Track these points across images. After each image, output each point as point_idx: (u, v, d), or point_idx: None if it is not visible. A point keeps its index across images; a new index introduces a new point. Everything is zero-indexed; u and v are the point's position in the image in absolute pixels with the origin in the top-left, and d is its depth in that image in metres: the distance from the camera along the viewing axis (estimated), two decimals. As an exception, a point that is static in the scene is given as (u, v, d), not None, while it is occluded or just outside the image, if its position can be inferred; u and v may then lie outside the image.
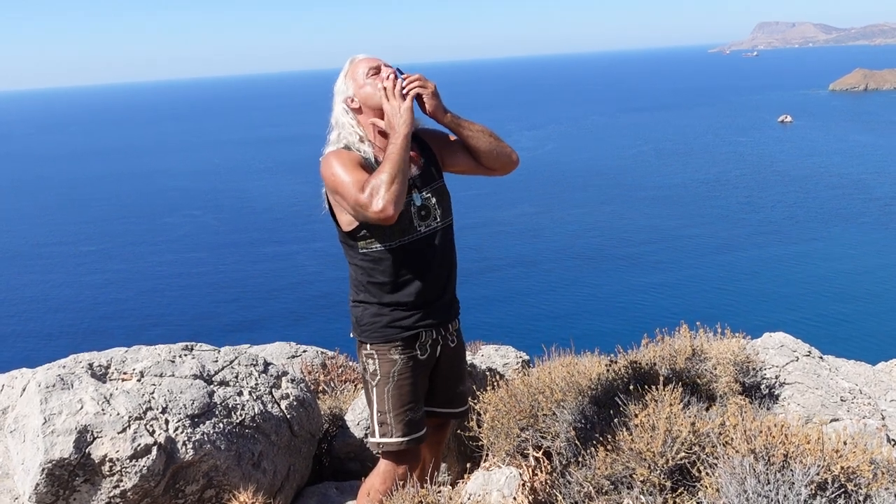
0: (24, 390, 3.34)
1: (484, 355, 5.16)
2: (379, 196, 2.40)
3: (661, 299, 29.64)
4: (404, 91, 2.55)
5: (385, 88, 2.56)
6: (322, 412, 4.38)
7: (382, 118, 2.60)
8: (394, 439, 2.71)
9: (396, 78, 2.57)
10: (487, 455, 4.23)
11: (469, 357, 4.75)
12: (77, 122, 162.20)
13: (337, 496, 3.85)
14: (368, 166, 2.57)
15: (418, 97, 2.59)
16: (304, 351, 5.18)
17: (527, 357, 5.49)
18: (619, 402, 3.40)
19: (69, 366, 3.32)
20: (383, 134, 2.63)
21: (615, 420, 3.24)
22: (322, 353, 5.27)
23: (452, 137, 2.79)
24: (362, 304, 2.74)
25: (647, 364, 3.77)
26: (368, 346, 2.73)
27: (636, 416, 3.07)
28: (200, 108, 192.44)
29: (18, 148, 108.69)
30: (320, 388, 4.70)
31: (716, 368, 3.69)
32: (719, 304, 28.62)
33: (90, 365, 3.36)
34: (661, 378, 3.46)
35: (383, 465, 2.78)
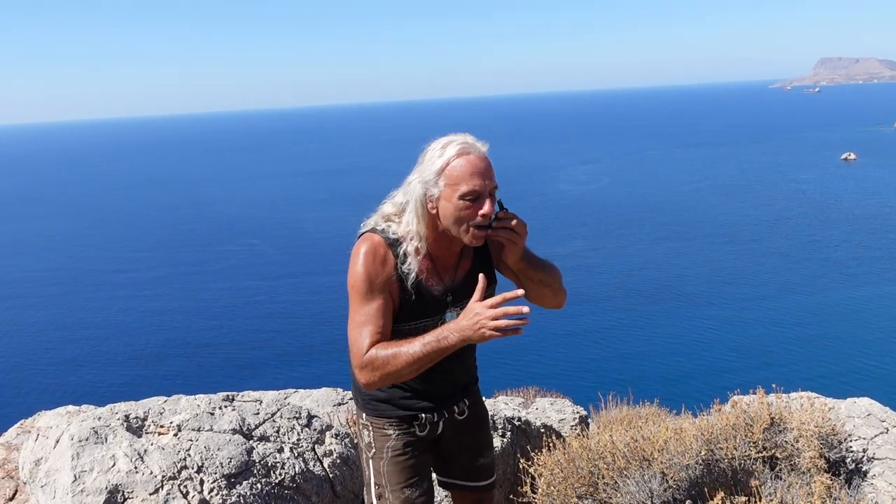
0: (57, 442, 3.20)
1: (539, 409, 4.88)
2: (370, 374, 2.20)
3: (720, 342, 28.63)
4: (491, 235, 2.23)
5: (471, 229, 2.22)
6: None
7: (448, 236, 2.31)
8: None
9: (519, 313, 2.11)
10: (541, 523, 3.94)
11: (523, 412, 4.48)
12: (143, 152, 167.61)
13: (380, 563, 3.60)
14: (398, 286, 2.30)
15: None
16: (351, 398, 4.97)
17: (584, 412, 5.19)
18: (689, 478, 3.10)
19: (105, 417, 3.17)
20: (444, 239, 2.34)
21: (687, 498, 2.94)
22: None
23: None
24: None
25: (719, 433, 3.45)
26: (364, 415, 2.55)
27: (711, 497, 2.77)
28: (260, 139, 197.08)
29: (87, 175, 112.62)
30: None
31: (798, 441, 3.35)
32: (784, 349, 27.51)
33: (126, 416, 3.20)
34: (737, 452, 3.16)
35: None
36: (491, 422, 4.01)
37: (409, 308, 2.33)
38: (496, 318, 2.07)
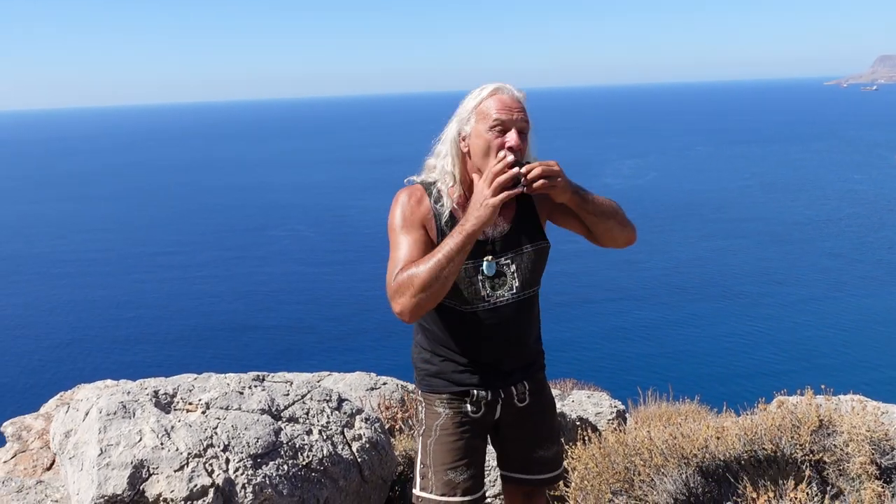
0: (86, 415, 3.20)
1: (575, 402, 4.76)
2: (401, 297, 2.12)
3: (766, 343, 27.96)
4: (523, 185, 2.11)
5: (489, 170, 2.13)
6: (397, 453, 4.10)
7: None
8: (432, 496, 2.41)
9: (512, 166, 2.10)
10: (574, 518, 3.83)
11: (558, 404, 4.37)
12: (195, 137, 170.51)
13: (406, 551, 3.54)
14: (436, 225, 2.28)
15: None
16: (385, 383, 4.92)
17: (622, 406, 5.05)
18: (731, 479, 2.96)
19: (134, 392, 3.16)
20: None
21: (727, 500, 2.81)
22: (402, 386, 5.00)
23: None
24: (417, 345, 2.48)
25: (764, 434, 3.29)
26: (420, 392, 2.47)
27: (754, 501, 2.63)
28: (310, 126, 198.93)
29: (140, 159, 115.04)
30: (397, 425, 4.41)
31: (847, 446, 3.17)
32: (833, 352, 26.75)
33: (155, 392, 3.18)
34: (783, 454, 3.00)
35: None
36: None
37: None
38: (491, 184, 2.08)
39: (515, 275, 2.33)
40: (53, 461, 4.57)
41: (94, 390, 5.27)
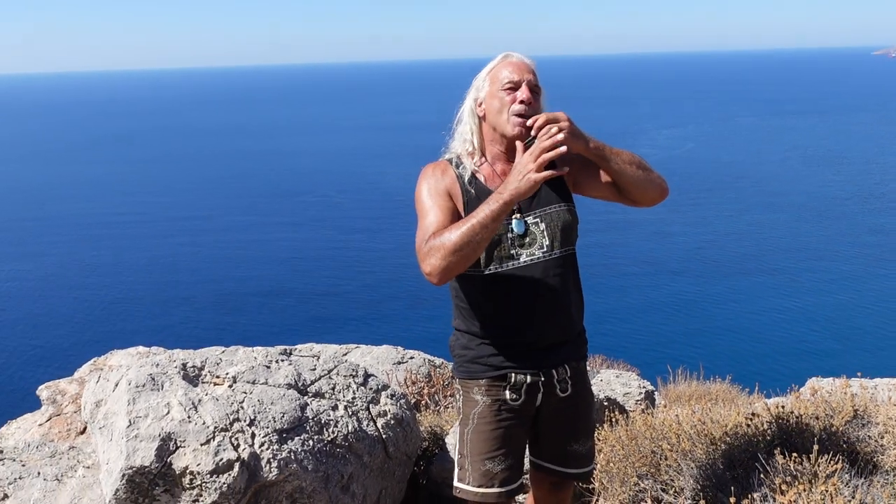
0: (116, 385, 3.24)
1: (603, 381, 4.71)
2: (432, 259, 2.13)
3: (803, 321, 27.43)
4: (534, 134, 2.17)
5: (521, 118, 2.25)
6: (422, 428, 4.11)
7: (500, 136, 2.34)
8: (469, 487, 2.39)
9: (556, 139, 2.15)
10: (598, 499, 3.81)
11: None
12: (231, 101, 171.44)
13: (429, 527, 3.56)
14: (461, 187, 2.34)
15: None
16: (412, 357, 4.93)
17: (651, 387, 4.98)
18: (760, 468, 2.91)
19: (163, 364, 3.19)
20: (502, 152, 2.36)
21: (755, 490, 2.76)
22: (429, 361, 5.00)
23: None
24: (456, 331, 2.45)
25: (795, 421, 3.22)
26: (457, 380, 2.45)
27: (783, 492, 2.58)
28: (345, 92, 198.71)
29: (177, 122, 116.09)
30: (423, 401, 4.41)
31: (882, 437, 3.10)
32: (873, 332, 26.18)
33: (183, 365, 3.21)
34: (815, 443, 2.94)
35: None
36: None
37: (472, 210, 2.25)
38: (537, 159, 2.12)
39: (545, 233, 2.33)
40: (87, 426, 4.66)
41: (127, 357, 5.35)
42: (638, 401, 4.58)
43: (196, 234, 42.85)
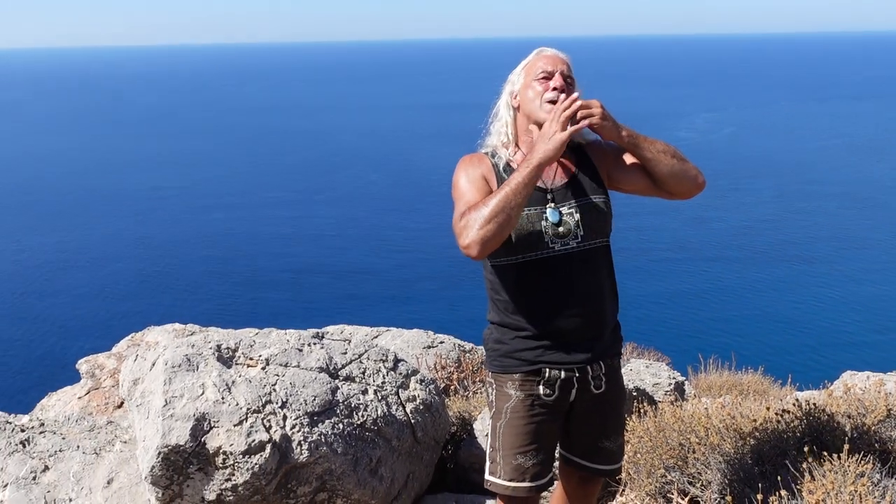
0: (153, 365, 3.32)
1: (633, 371, 4.70)
2: (468, 231, 2.16)
3: (840, 312, 26.89)
4: (567, 117, 2.23)
5: (554, 105, 2.29)
6: (451, 414, 4.15)
7: (535, 125, 2.37)
8: (500, 481, 2.40)
9: (574, 98, 2.25)
10: (624, 490, 3.83)
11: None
12: (267, 77, 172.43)
13: (456, 511, 3.60)
14: (496, 174, 2.37)
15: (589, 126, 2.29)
16: (442, 342, 4.96)
17: (681, 378, 4.96)
18: (789, 465, 2.89)
19: (198, 345, 3.26)
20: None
21: (782, 488, 2.75)
22: (459, 346, 5.03)
23: (627, 154, 2.43)
24: (491, 324, 2.46)
25: (826, 419, 3.19)
26: (490, 373, 2.45)
27: (811, 491, 2.57)
28: (378, 70, 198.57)
29: (215, 98, 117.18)
30: (452, 386, 4.45)
31: (916, 439, 3.06)
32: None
33: (218, 346, 3.28)
34: (845, 442, 2.91)
35: None
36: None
37: None
38: (558, 119, 2.21)
39: (580, 224, 2.34)
40: (123, 401, 4.79)
41: (163, 333, 5.47)
42: (667, 392, 4.56)
43: (231, 210, 43.38)
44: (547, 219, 2.31)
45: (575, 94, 2.26)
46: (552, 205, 2.33)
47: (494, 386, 2.43)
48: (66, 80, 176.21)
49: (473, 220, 2.16)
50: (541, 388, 2.34)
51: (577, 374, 2.35)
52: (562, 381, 2.34)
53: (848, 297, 28.41)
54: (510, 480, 2.37)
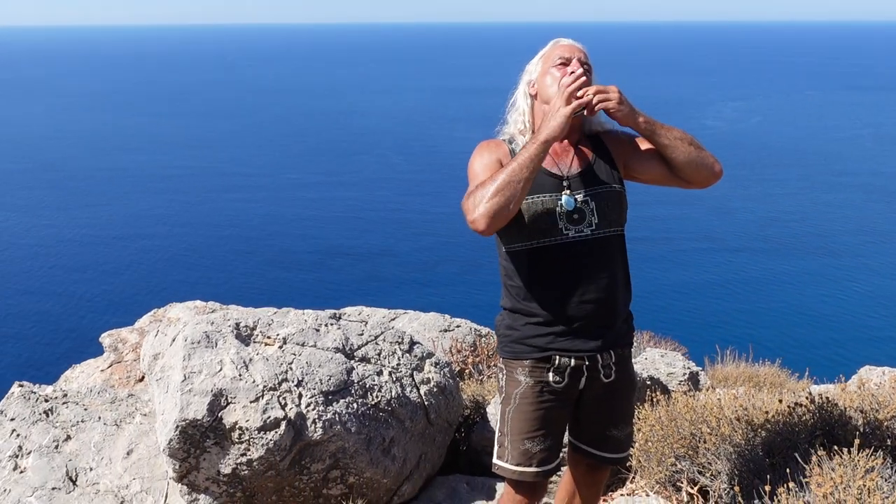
0: (173, 341, 3.39)
1: (648, 360, 4.71)
2: (477, 206, 2.19)
3: (864, 303, 26.55)
4: (578, 97, 2.26)
5: (559, 83, 2.31)
6: (465, 397, 4.19)
7: None
8: (507, 465, 2.44)
9: (577, 75, 2.29)
10: (635, 477, 3.85)
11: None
12: (291, 58, 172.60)
13: (467, 492, 3.65)
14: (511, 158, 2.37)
15: (605, 110, 2.31)
16: (458, 326, 5.00)
17: (696, 368, 4.96)
18: (798, 458, 2.90)
19: (217, 323, 3.32)
20: None
21: (791, 480, 2.76)
22: (475, 330, 5.06)
23: (643, 143, 2.44)
24: (504, 310, 2.49)
25: (839, 414, 3.19)
26: (501, 359, 2.49)
27: (819, 484, 2.58)
28: (404, 52, 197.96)
29: (237, 78, 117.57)
30: (467, 369, 4.49)
31: (929, 435, 3.05)
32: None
33: (237, 324, 3.34)
34: (856, 437, 2.91)
35: (505, 491, 2.53)
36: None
37: None
38: (563, 95, 2.25)
39: (595, 211, 2.35)
40: (144, 375, 4.88)
41: (185, 310, 5.56)
42: (681, 381, 4.57)
43: (254, 191, 43.64)
44: (562, 205, 2.32)
45: (580, 70, 2.28)
46: (567, 191, 2.33)
47: (505, 371, 2.45)
48: (94, 59, 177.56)
49: (480, 195, 2.20)
50: (550, 374, 2.36)
51: (587, 363, 2.36)
52: (571, 369, 2.36)
53: (873, 291, 28.06)
54: (517, 465, 2.40)
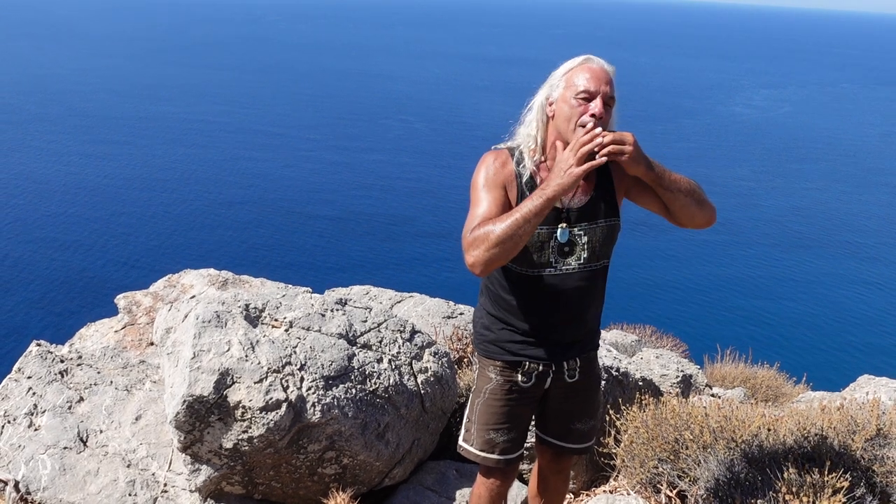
0: (185, 317, 3.55)
1: (643, 360, 4.83)
2: (475, 250, 2.24)
3: (882, 311, 26.17)
4: (595, 151, 2.19)
5: (575, 136, 2.25)
6: (461, 384, 4.33)
7: (563, 142, 2.37)
8: (472, 448, 2.65)
9: (595, 134, 2.20)
10: (618, 476, 4.00)
11: (623, 361, 4.46)
12: (321, 16, 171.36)
13: (455, 479, 3.81)
14: (517, 185, 2.40)
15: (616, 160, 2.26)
16: (461, 313, 5.13)
17: (690, 371, 5.07)
18: (771, 474, 3.02)
19: (228, 303, 3.47)
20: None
21: (763, 496, 2.89)
22: (478, 318, 5.19)
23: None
24: (481, 307, 2.64)
25: (816, 432, 3.31)
26: (475, 353, 2.67)
27: (786, 502, 2.70)
28: (432, 17, 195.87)
29: (266, 34, 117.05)
30: (466, 357, 4.63)
31: (902, 460, 3.16)
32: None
33: (246, 306, 3.49)
34: (831, 458, 3.03)
35: (478, 475, 2.73)
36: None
37: None
38: (576, 153, 2.18)
39: (586, 246, 2.43)
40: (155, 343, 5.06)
41: (198, 277, 5.72)
42: (674, 384, 4.69)
43: (274, 150, 43.63)
44: (556, 239, 2.40)
45: (598, 130, 2.19)
46: (564, 224, 2.40)
47: (478, 366, 2.63)
48: (123, 4, 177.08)
49: (481, 240, 2.23)
50: (519, 376, 2.54)
51: (554, 368, 2.54)
52: (539, 372, 2.53)
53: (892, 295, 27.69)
54: (481, 450, 2.61)
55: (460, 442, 2.70)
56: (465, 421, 2.69)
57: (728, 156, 47.73)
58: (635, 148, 2.23)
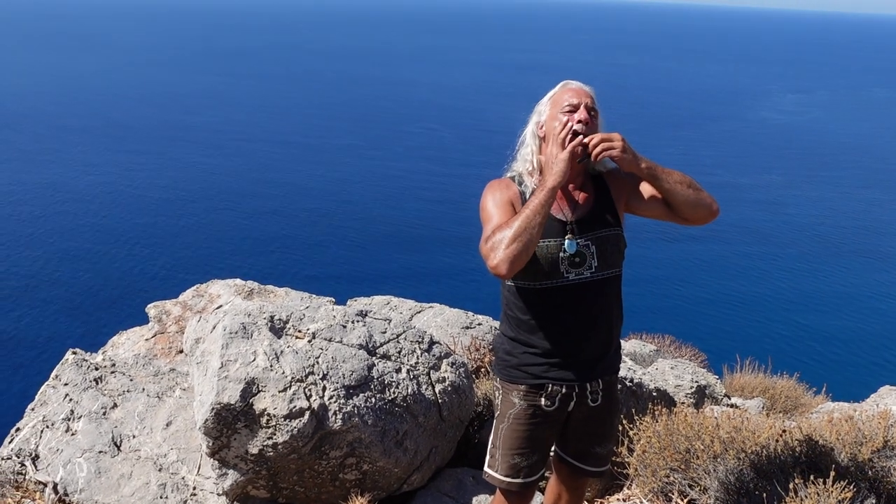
0: (213, 328, 3.71)
1: (658, 371, 4.91)
2: (496, 252, 2.37)
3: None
4: (590, 151, 2.44)
5: (585, 146, 2.48)
6: (479, 394, 4.45)
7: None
8: (497, 475, 2.71)
9: (577, 134, 2.48)
10: (631, 485, 4.09)
11: (639, 372, 4.55)
12: (348, 24, 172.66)
13: (472, 486, 3.93)
14: (523, 202, 2.54)
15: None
16: (479, 324, 5.25)
17: (705, 381, 5.14)
18: (782, 483, 3.10)
19: (254, 314, 3.63)
20: None
21: (772, 503, 2.97)
22: (495, 328, 5.31)
23: (644, 184, 2.63)
24: (502, 334, 2.73)
25: (825, 443, 3.38)
26: (498, 379, 2.73)
27: (790, 511, 2.79)
28: (457, 25, 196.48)
29: (294, 42, 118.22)
30: (483, 367, 4.75)
31: (908, 472, 3.22)
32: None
33: (271, 317, 3.64)
34: (838, 469, 3.10)
35: (496, 495, 2.82)
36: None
37: None
38: (559, 144, 2.47)
39: (595, 255, 2.55)
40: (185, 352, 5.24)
41: (225, 287, 5.91)
42: (688, 394, 4.77)
43: (296, 153, 43.97)
44: (564, 249, 2.51)
45: (575, 116, 2.47)
46: (570, 236, 2.52)
47: (501, 392, 2.70)
48: (151, 15, 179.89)
49: (499, 241, 2.37)
50: (543, 399, 2.61)
51: (577, 390, 2.61)
52: (562, 395, 2.61)
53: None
54: (506, 476, 2.68)
55: (486, 468, 2.76)
56: (489, 448, 2.76)
57: (754, 161, 47.32)
58: (624, 144, 2.43)
